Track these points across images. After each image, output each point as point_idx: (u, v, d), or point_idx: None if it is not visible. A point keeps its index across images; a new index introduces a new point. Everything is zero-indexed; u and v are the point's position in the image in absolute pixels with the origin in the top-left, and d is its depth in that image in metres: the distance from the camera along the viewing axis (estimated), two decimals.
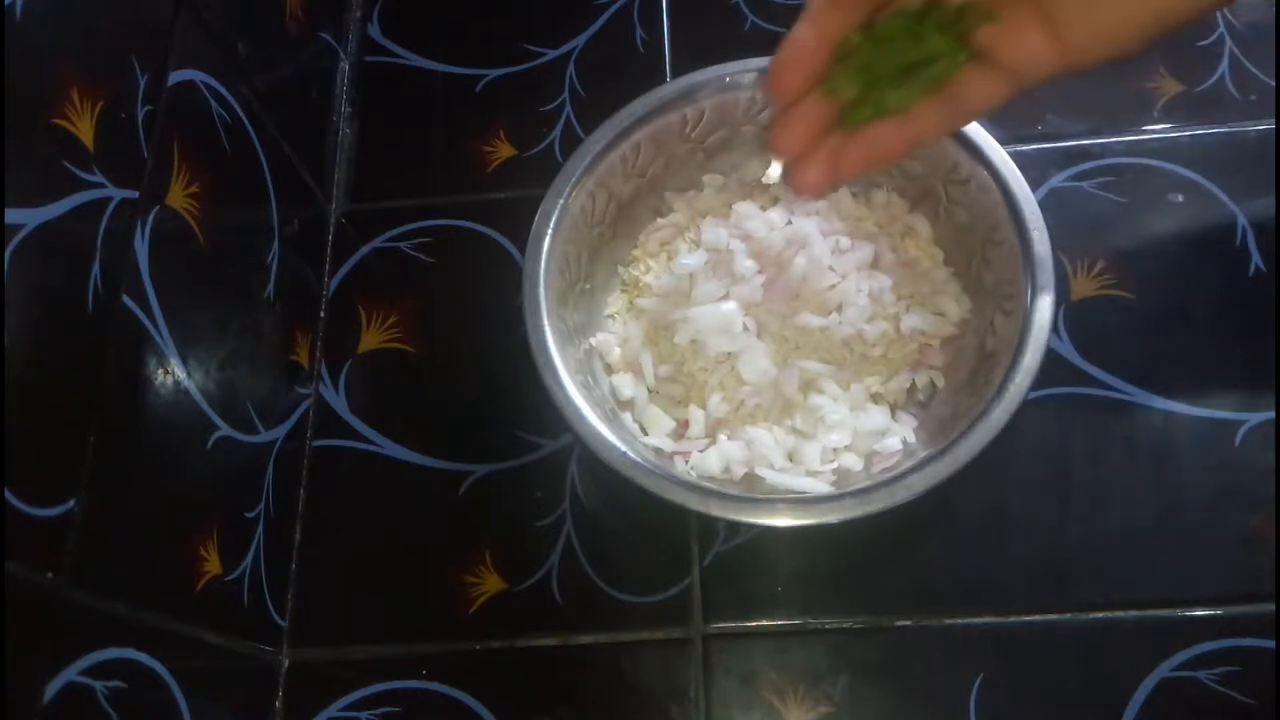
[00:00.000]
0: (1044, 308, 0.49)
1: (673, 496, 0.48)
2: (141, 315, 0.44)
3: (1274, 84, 0.63)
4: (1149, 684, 0.51)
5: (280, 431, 0.57)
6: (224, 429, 0.51)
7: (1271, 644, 0.51)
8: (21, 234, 0.37)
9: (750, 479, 0.53)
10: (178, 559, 0.47)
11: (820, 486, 0.51)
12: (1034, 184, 0.54)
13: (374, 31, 0.73)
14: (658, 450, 0.53)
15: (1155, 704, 0.50)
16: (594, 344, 0.57)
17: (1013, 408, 0.47)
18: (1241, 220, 0.60)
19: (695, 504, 0.48)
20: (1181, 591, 0.52)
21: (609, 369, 0.57)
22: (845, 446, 0.53)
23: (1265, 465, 0.54)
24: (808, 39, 0.38)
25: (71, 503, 0.39)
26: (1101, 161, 0.63)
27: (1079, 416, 0.57)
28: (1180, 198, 0.61)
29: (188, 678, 0.45)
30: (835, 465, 0.52)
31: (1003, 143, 0.54)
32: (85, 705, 0.39)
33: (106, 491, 0.41)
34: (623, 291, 0.60)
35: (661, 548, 0.56)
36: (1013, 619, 0.53)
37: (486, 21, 0.72)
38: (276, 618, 0.55)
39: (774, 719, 0.52)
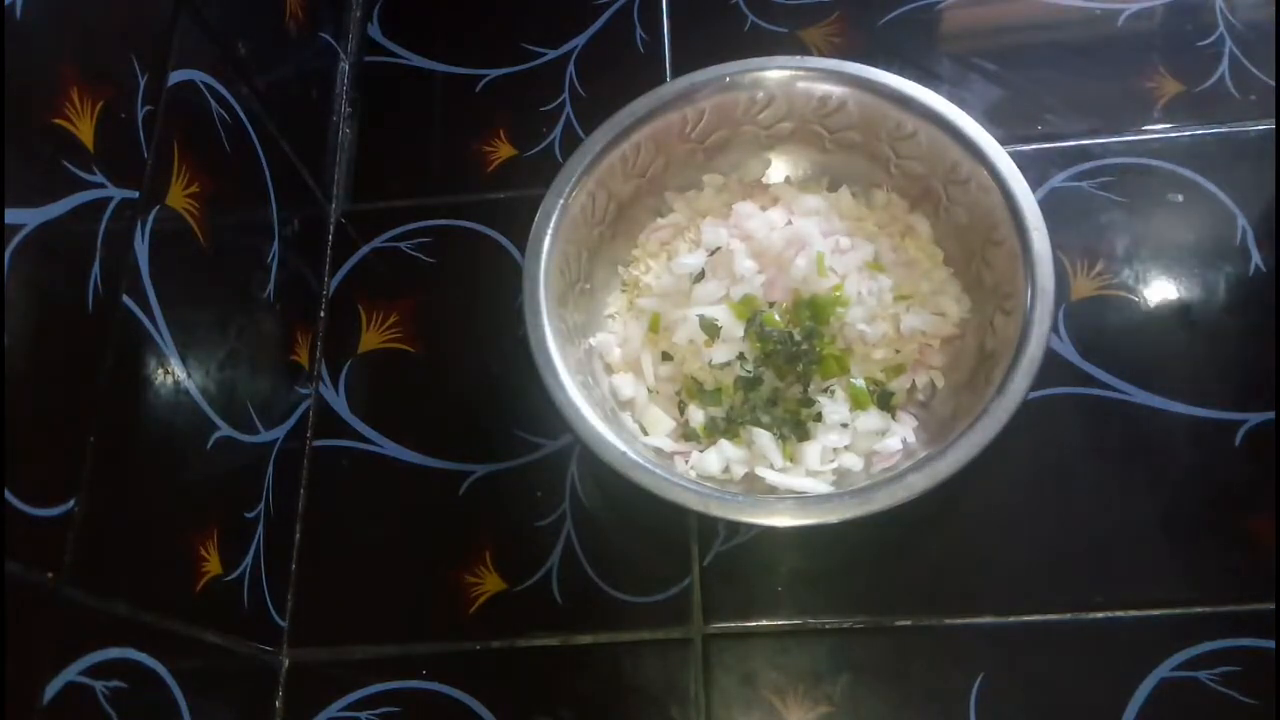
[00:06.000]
0: (1044, 308, 0.49)
1: (673, 496, 0.48)
2: (141, 315, 0.44)
3: (1274, 84, 0.63)
4: (1149, 684, 0.51)
5: (280, 431, 0.57)
6: (224, 429, 0.51)
7: (1271, 644, 0.51)
8: (21, 234, 0.37)
9: (750, 479, 0.53)
10: (178, 559, 0.47)
11: (820, 486, 0.51)
12: (1034, 184, 0.54)
13: (374, 31, 0.73)
14: (658, 450, 0.53)
15: (1155, 704, 0.50)
16: (594, 344, 0.57)
17: (1013, 408, 0.47)
18: (1241, 220, 0.60)
19: (695, 504, 0.48)
20: (1181, 591, 0.52)
21: (609, 369, 0.57)
22: (845, 446, 0.53)
23: (1265, 465, 0.54)
24: None
25: (71, 503, 0.39)
26: (1101, 161, 0.63)
27: (1079, 416, 0.57)
28: (1180, 198, 0.61)
29: (188, 678, 0.45)
30: (835, 465, 0.52)
31: (1003, 143, 0.54)
32: (85, 705, 0.39)
33: (106, 491, 0.41)
34: (623, 291, 0.60)
35: (661, 548, 0.56)
36: (1013, 619, 0.53)
37: (486, 21, 0.73)
38: (276, 618, 0.55)
39: (774, 719, 0.52)
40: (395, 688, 0.54)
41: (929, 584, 0.54)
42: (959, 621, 0.53)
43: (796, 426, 0.53)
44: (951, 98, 0.56)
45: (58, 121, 0.40)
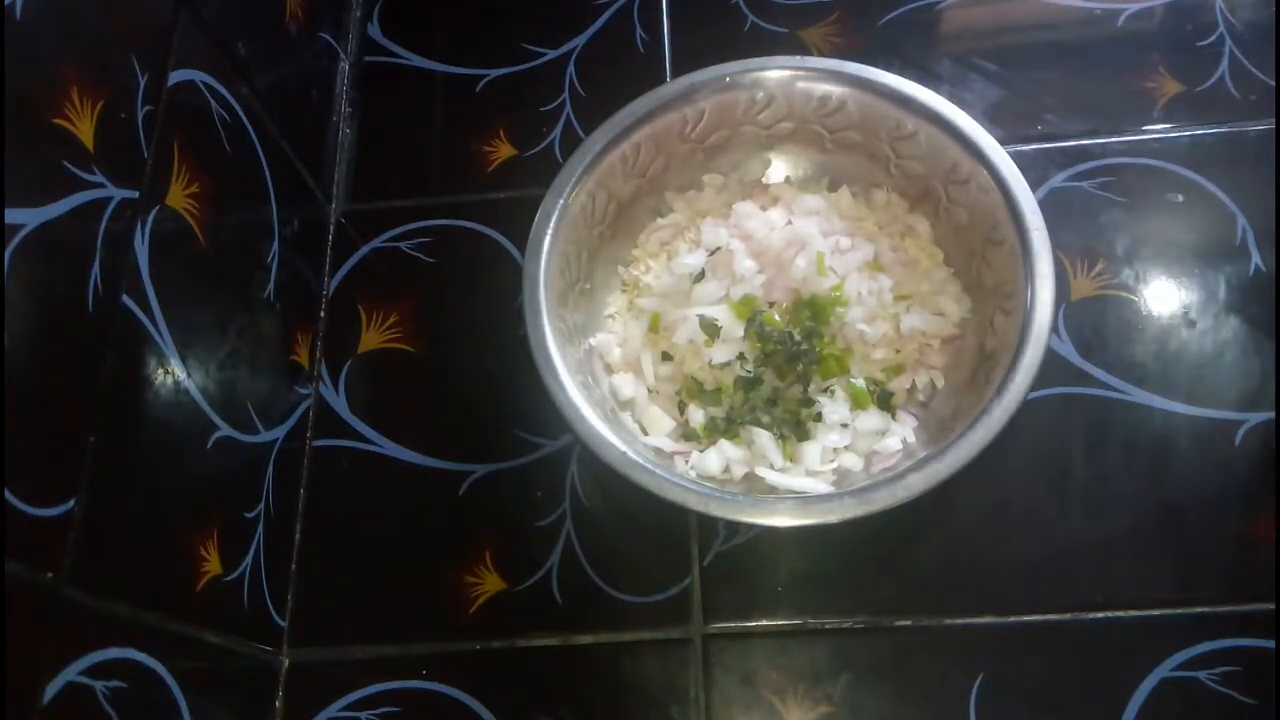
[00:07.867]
0: (1044, 308, 0.49)
1: (673, 496, 0.48)
2: (141, 315, 0.44)
3: (1274, 84, 0.63)
4: (1149, 684, 0.51)
5: (280, 431, 0.57)
6: (224, 429, 0.51)
7: (1271, 644, 0.51)
8: (21, 234, 0.37)
9: (750, 479, 0.53)
10: (178, 559, 0.47)
11: (820, 486, 0.51)
12: (1034, 184, 0.54)
13: (374, 31, 0.73)
14: (658, 450, 0.53)
15: (1155, 704, 0.50)
16: (594, 344, 0.57)
17: (1013, 408, 0.47)
18: (1241, 220, 0.60)
19: (695, 504, 0.48)
20: (1181, 591, 0.52)
21: (609, 369, 0.57)
22: (845, 446, 0.53)
23: (1265, 465, 0.54)
24: None
25: (71, 503, 0.39)
26: (1101, 161, 0.63)
27: (1079, 416, 0.56)
28: (1180, 198, 0.61)
29: (188, 678, 0.45)
30: (835, 465, 0.52)
31: (1003, 143, 0.54)
32: (85, 705, 0.39)
33: (106, 491, 0.41)
34: (623, 291, 0.60)
35: (661, 548, 0.56)
36: (1013, 619, 0.53)
37: (486, 21, 0.72)
38: (276, 618, 0.55)
39: (774, 719, 0.52)
40: (395, 688, 0.54)
41: (929, 584, 0.54)
42: (959, 621, 0.53)
43: (796, 426, 0.53)
44: (951, 98, 0.56)
45: (58, 121, 0.40)
